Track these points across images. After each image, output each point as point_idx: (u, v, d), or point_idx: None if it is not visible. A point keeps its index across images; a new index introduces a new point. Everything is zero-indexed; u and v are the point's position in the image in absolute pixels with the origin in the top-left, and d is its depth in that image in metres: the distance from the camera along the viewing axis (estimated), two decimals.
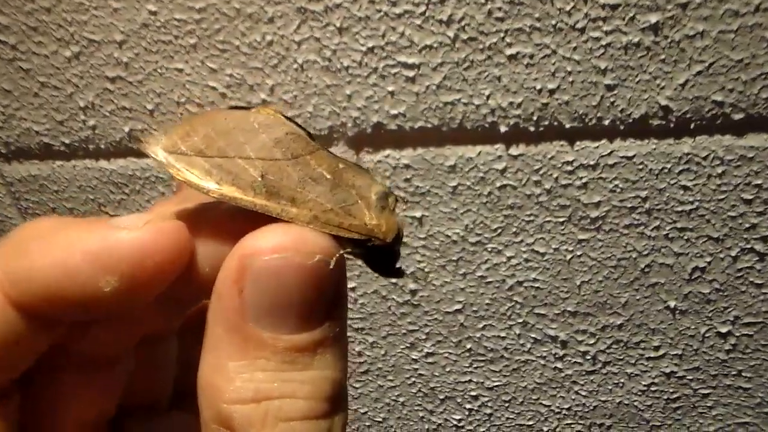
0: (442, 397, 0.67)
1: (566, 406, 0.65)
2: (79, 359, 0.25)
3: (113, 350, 0.26)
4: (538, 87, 0.50)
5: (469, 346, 0.63)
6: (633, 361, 0.60)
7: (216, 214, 0.24)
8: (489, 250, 0.58)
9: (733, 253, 0.54)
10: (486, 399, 0.66)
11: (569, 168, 0.53)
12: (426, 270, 0.60)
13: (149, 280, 0.22)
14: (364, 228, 0.24)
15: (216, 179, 0.23)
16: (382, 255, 0.25)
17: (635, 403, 0.63)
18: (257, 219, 0.23)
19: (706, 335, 0.58)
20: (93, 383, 0.26)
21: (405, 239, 0.59)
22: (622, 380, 0.62)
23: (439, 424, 0.70)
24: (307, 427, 0.22)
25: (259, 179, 0.24)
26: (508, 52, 0.50)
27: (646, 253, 0.55)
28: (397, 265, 0.26)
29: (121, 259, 0.21)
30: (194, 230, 0.23)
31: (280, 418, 0.21)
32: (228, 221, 0.24)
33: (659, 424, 0.64)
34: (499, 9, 0.48)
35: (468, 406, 0.67)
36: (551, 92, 0.50)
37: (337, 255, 0.22)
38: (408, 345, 0.65)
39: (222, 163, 0.24)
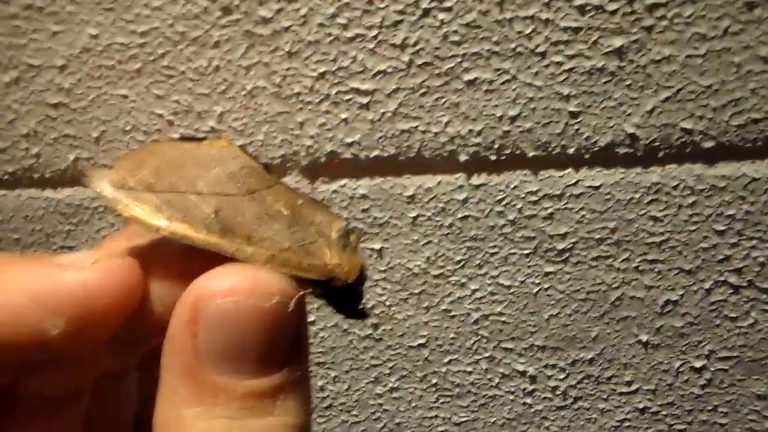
0: None
1: None
2: (30, 400, 0.24)
3: (66, 390, 0.25)
4: (499, 114, 0.48)
5: (434, 381, 0.61)
6: (605, 396, 0.58)
7: (169, 251, 0.23)
8: (452, 282, 0.55)
9: (707, 286, 0.52)
10: None
11: (533, 198, 0.50)
12: (388, 304, 0.57)
13: (98, 321, 0.21)
14: (325, 268, 0.23)
15: (166, 216, 0.22)
16: (345, 296, 0.24)
17: None
18: (211, 258, 0.22)
19: (680, 370, 0.56)
20: (47, 423, 0.25)
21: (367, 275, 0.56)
22: (594, 416, 0.59)
23: None
24: None
25: (212, 216, 0.23)
26: (466, 77, 0.47)
27: (615, 285, 0.53)
28: (360, 306, 0.25)
29: (68, 301, 0.20)
30: (147, 268, 0.22)
31: None
32: (182, 259, 0.23)
33: None
34: (455, 32, 0.46)
35: None
36: (512, 119, 0.48)
37: (297, 297, 0.21)
38: (372, 379, 0.62)
39: (172, 198, 0.22)
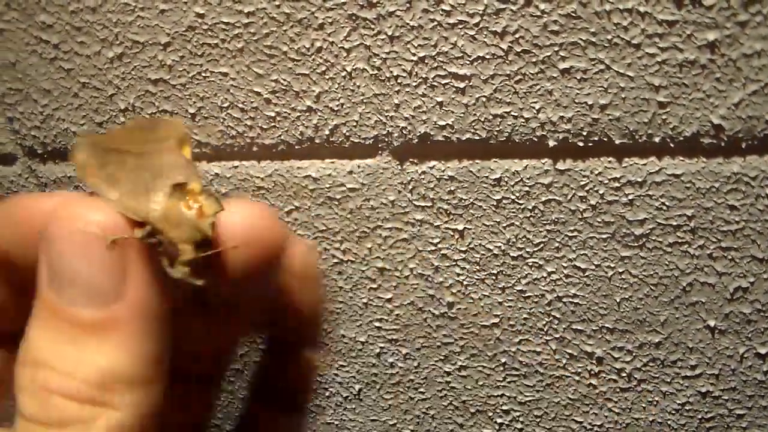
0: (473, 410, 0.67)
1: (598, 423, 0.64)
2: None
3: None
4: (590, 102, 0.50)
5: (503, 360, 0.63)
6: (669, 380, 0.60)
7: None
8: (530, 264, 0.57)
9: None
10: (518, 414, 0.66)
11: (616, 184, 0.53)
12: (465, 283, 0.59)
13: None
14: (145, 216, 0.23)
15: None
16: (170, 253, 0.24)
17: (669, 422, 0.62)
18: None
19: (745, 356, 0.58)
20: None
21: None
22: (656, 398, 0.61)
23: None
24: (67, 406, 0.21)
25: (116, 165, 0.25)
26: (562, 66, 0.49)
27: (688, 271, 0.55)
28: (188, 269, 0.23)
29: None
30: None
31: (43, 387, 0.21)
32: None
33: None
34: (555, 22, 0.48)
35: (499, 420, 0.67)
36: (602, 108, 0.50)
37: (125, 236, 0.22)
38: (441, 358, 0.64)
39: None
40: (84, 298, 0.22)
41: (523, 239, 0.56)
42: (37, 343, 0.22)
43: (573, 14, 0.48)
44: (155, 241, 0.23)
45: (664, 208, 0.53)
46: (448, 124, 0.53)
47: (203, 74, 0.56)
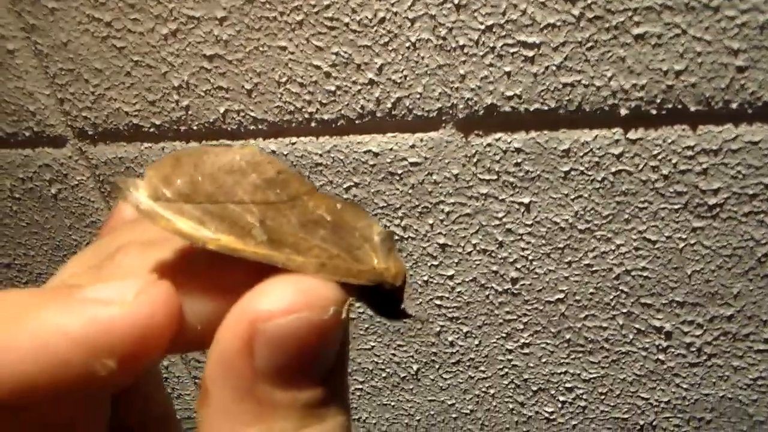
0: (534, 388, 0.66)
1: (665, 399, 0.63)
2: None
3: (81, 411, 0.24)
4: (665, 68, 0.48)
5: (568, 337, 0.62)
6: (740, 354, 0.59)
7: (200, 264, 0.22)
8: (598, 237, 0.56)
9: None
10: (581, 391, 0.65)
11: (689, 153, 0.51)
12: (530, 258, 0.58)
13: (148, 354, 0.20)
14: (374, 273, 0.23)
15: (212, 228, 0.21)
16: (389, 299, 0.24)
17: (740, 398, 0.61)
18: (252, 266, 0.21)
19: None
20: None
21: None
22: (727, 373, 0.60)
23: (530, 417, 0.68)
24: None
25: (258, 226, 0.22)
26: (636, 31, 0.48)
27: (764, 241, 0.53)
28: (402, 307, 0.24)
29: (120, 341, 0.19)
30: (180, 285, 0.21)
31: None
32: (216, 272, 0.22)
33: (763, 419, 0.62)
34: None
35: (561, 398, 0.66)
36: (677, 74, 0.48)
37: (347, 304, 0.21)
38: (503, 335, 0.63)
39: (214, 209, 0.22)
40: (318, 378, 0.21)
41: (592, 212, 0.55)
42: None
43: None
44: (363, 298, 0.23)
45: (740, 176, 0.51)
46: (515, 94, 0.51)
47: (260, 48, 0.54)
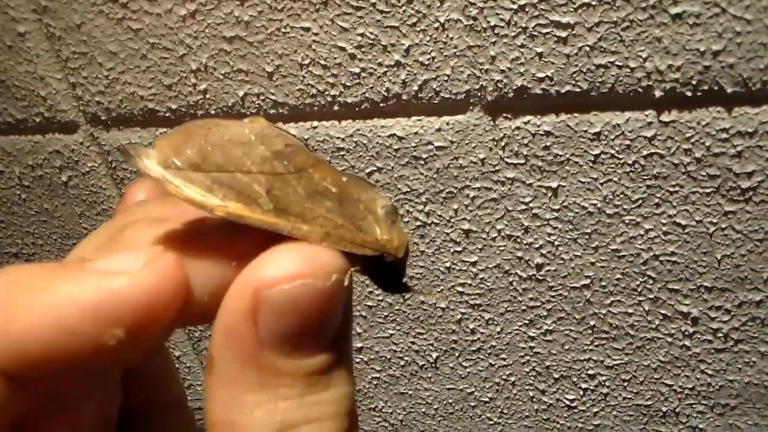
0: (556, 376, 0.65)
1: (690, 386, 0.62)
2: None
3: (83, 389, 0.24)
4: (702, 48, 0.47)
5: (592, 323, 0.61)
6: None
7: (207, 236, 0.22)
8: (626, 222, 0.55)
9: None
10: (604, 378, 0.64)
11: (724, 135, 0.50)
12: (556, 244, 0.57)
13: (157, 324, 0.20)
14: (377, 243, 0.23)
15: (220, 195, 0.22)
16: (391, 271, 0.25)
17: (765, 383, 0.60)
18: (258, 237, 0.21)
19: None
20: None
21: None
22: (754, 359, 0.59)
23: (550, 404, 0.67)
24: None
25: (265, 195, 0.22)
26: (673, 11, 0.47)
27: None
28: (404, 280, 0.25)
29: (128, 311, 0.19)
30: (187, 256, 0.21)
31: None
32: (223, 244, 0.22)
33: None
34: None
35: (583, 385, 0.65)
36: (715, 54, 0.47)
37: (350, 272, 0.21)
38: (526, 322, 0.62)
39: (222, 177, 0.22)
40: (322, 345, 0.21)
41: (621, 195, 0.54)
42: (276, 413, 0.20)
43: None
44: (366, 268, 0.24)
45: None
46: (547, 75, 0.50)
47: (283, 30, 0.53)
